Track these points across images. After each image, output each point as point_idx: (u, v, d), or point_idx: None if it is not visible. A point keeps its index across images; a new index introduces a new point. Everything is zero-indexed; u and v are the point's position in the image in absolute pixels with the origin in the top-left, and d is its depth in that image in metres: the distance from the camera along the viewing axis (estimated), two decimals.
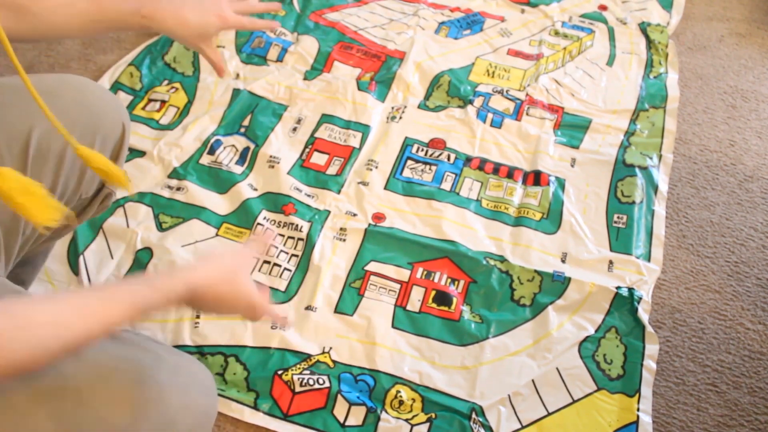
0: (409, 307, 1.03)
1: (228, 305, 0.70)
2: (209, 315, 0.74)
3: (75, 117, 0.76)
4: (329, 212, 1.15)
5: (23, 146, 0.73)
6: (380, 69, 1.44)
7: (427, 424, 0.91)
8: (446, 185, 1.21)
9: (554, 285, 1.06)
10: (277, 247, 1.10)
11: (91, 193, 0.84)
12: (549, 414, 0.93)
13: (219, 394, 0.93)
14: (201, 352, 0.97)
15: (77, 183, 0.80)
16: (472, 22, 1.59)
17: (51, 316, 0.53)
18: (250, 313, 0.73)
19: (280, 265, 1.08)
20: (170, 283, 0.63)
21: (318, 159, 1.25)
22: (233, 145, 1.26)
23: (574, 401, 0.94)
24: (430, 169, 1.23)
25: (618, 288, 1.05)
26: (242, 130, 1.29)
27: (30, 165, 0.73)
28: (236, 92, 1.36)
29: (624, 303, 1.03)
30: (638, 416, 0.92)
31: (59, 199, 0.78)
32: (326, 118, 1.32)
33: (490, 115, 1.33)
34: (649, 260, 1.11)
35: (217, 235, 1.12)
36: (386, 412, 0.92)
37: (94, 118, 0.79)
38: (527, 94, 1.39)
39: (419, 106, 1.35)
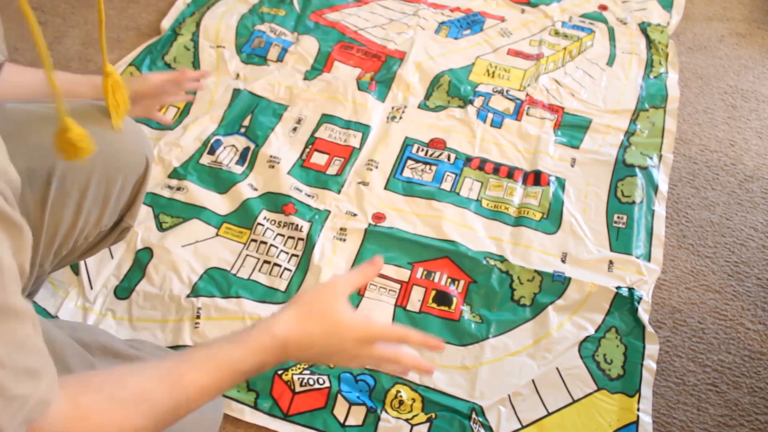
0: (409, 307, 1.04)
1: (329, 344, 0.58)
2: (319, 363, 0.63)
3: (99, 153, 0.73)
4: (329, 212, 1.15)
5: (46, 179, 0.72)
6: (380, 69, 1.44)
7: (427, 424, 0.91)
8: (446, 185, 1.21)
9: (554, 285, 1.06)
10: (277, 247, 1.10)
11: (110, 225, 0.84)
12: (549, 414, 0.93)
13: None
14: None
15: (98, 217, 0.79)
16: (472, 22, 1.59)
17: (138, 389, 0.50)
18: (366, 348, 0.59)
19: (280, 265, 1.08)
20: (255, 334, 0.56)
21: (318, 159, 1.25)
22: (233, 145, 1.26)
23: (574, 401, 0.94)
24: (430, 169, 1.23)
25: (618, 288, 1.05)
26: (242, 130, 1.29)
27: (51, 198, 0.72)
28: (236, 92, 1.36)
29: (624, 303, 1.03)
30: (638, 416, 0.92)
31: (80, 232, 0.78)
32: (326, 118, 1.32)
33: (490, 115, 1.33)
34: (649, 260, 1.11)
35: (217, 235, 1.12)
36: (386, 412, 0.92)
37: (117, 156, 0.78)
38: (527, 94, 1.39)
39: (419, 106, 1.35)
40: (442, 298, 1.04)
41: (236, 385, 0.55)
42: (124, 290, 1.04)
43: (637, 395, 0.94)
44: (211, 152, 1.24)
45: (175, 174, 1.20)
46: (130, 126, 0.81)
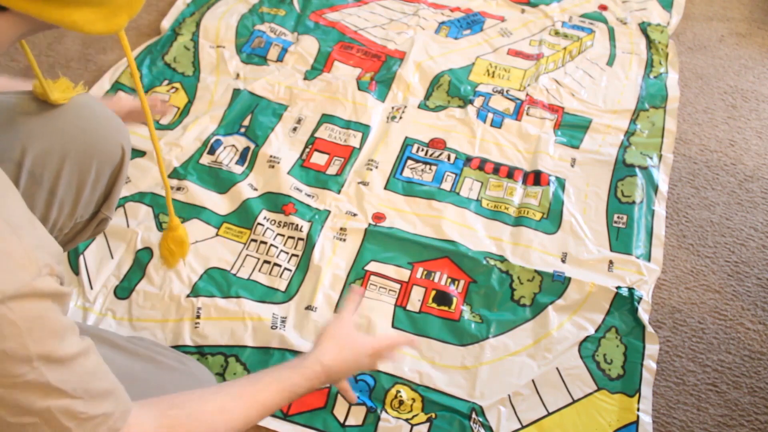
0: (409, 307, 1.04)
1: (355, 365, 0.77)
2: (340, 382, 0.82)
3: (71, 140, 0.74)
4: (329, 212, 1.15)
5: (15, 169, 0.71)
6: (380, 69, 1.44)
7: (427, 424, 0.91)
8: (446, 185, 1.21)
9: (554, 285, 1.06)
10: (277, 247, 1.10)
11: (87, 216, 0.82)
12: (549, 414, 0.93)
13: None
14: (201, 352, 0.97)
15: (72, 207, 0.78)
16: (472, 22, 1.59)
17: (217, 405, 0.60)
18: (375, 358, 0.79)
19: (280, 265, 1.08)
20: (308, 364, 0.71)
21: (318, 159, 1.25)
22: (233, 145, 1.26)
23: (574, 401, 0.94)
24: (430, 169, 1.23)
25: (618, 288, 1.05)
26: (242, 130, 1.29)
27: (22, 188, 0.71)
28: (236, 92, 1.36)
29: (624, 303, 1.03)
30: (638, 416, 0.92)
31: (53, 224, 0.77)
32: (326, 118, 1.32)
33: (490, 115, 1.33)
34: (649, 260, 1.11)
35: (217, 235, 1.12)
36: (386, 411, 0.92)
37: (91, 143, 0.76)
38: (527, 94, 1.39)
39: (419, 106, 1.35)
40: (442, 298, 1.04)
41: (290, 402, 0.72)
42: (124, 290, 1.04)
43: (637, 395, 0.94)
44: (211, 152, 1.24)
45: (175, 174, 1.20)
46: (104, 113, 0.79)
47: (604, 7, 1.65)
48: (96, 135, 0.77)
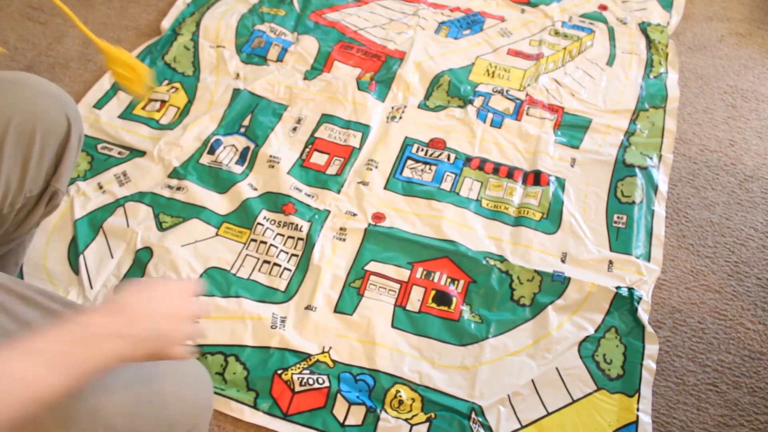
0: (408, 307, 1.04)
1: (147, 298, 0.59)
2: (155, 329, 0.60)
3: (11, 113, 0.74)
4: (329, 212, 1.15)
5: None
6: (380, 69, 1.44)
7: (427, 424, 0.91)
8: (446, 185, 1.21)
9: (554, 285, 1.06)
10: (277, 247, 1.10)
11: (37, 191, 0.82)
12: (549, 414, 0.93)
13: (219, 394, 0.93)
14: (200, 351, 0.97)
15: (20, 181, 0.78)
16: (472, 22, 1.59)
17: None
18: (172, 325, 0.60)
19: (280, 265, 1.08)
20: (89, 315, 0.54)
21: (318, 159, 1.25)
22: (233, 145, 1.26)
23: (574, 401, 0.94)
24: (430, 169, 1.23)
25: (618, 288, 1.05)
26: (242, 129, 1.29)
27: None
28: (236, 92, 1.36)
29: (624, 303, 1.03)
30: (638, 416, 0.92)
31: (3, 198, 0.76)
32: (326, 118, 1.32)
33: (490, 115, 1.33)
34: (649, 260, 1.11)
35: (217, 234, 1.12)
36: (386, 411, 0.92)
37: (32, 112, 0.76)
38: (527, 94, 1.39)
39: (419, 106, 1.35)
40: (442, 298, 1.04)
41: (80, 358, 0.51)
42: None
43: (637, 395, 0.94)
44: (211, 152, 1.24)
45: (174, 174, 1.20)
46: (43, 84, 0.79)
47: (604, 7, 1.65)
48: (37, 104, 0.76)
